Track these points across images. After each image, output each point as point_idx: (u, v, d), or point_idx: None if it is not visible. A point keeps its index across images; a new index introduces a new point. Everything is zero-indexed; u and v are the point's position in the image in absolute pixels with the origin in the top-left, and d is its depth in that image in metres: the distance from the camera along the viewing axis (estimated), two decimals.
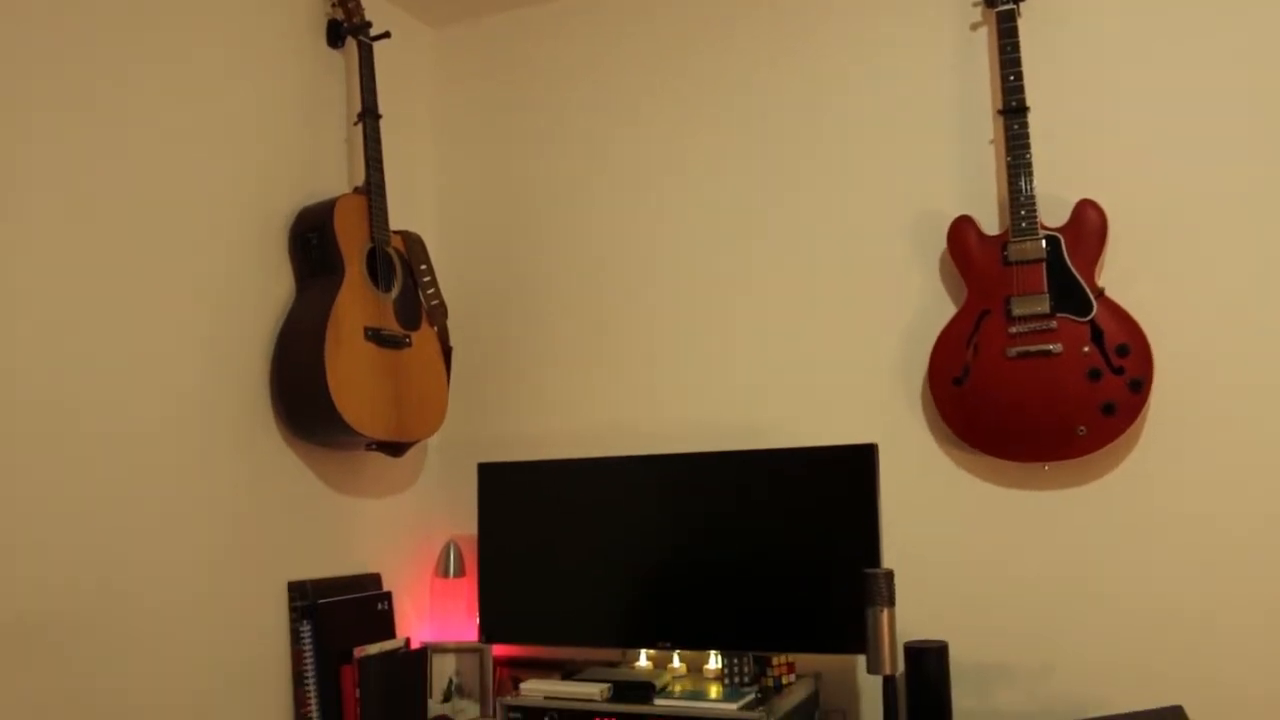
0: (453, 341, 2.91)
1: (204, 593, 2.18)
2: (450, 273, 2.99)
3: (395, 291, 2.53)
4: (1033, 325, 2.18)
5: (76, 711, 1.91)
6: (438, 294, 2.66)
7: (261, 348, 2.37)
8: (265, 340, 2.38)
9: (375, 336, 2.42)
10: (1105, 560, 2.21)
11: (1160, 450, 2.18)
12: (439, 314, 2.66)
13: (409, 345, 2.52)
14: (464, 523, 2.89)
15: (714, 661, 2.35)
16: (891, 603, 1.88)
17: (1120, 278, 2.23)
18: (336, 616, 2.40)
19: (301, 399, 2.32)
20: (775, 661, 2.21)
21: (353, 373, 2.33)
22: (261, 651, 2.30)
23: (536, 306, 2.86)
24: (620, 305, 2.75)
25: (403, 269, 2.57)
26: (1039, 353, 2.17)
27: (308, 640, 2.35)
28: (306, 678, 2.35)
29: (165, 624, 2.09)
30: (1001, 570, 2.29)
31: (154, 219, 2.15)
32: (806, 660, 2.41)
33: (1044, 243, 2.18)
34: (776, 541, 2.24)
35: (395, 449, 2.53)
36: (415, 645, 2.66)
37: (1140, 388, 2.10)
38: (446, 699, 2.65)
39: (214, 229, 2.28)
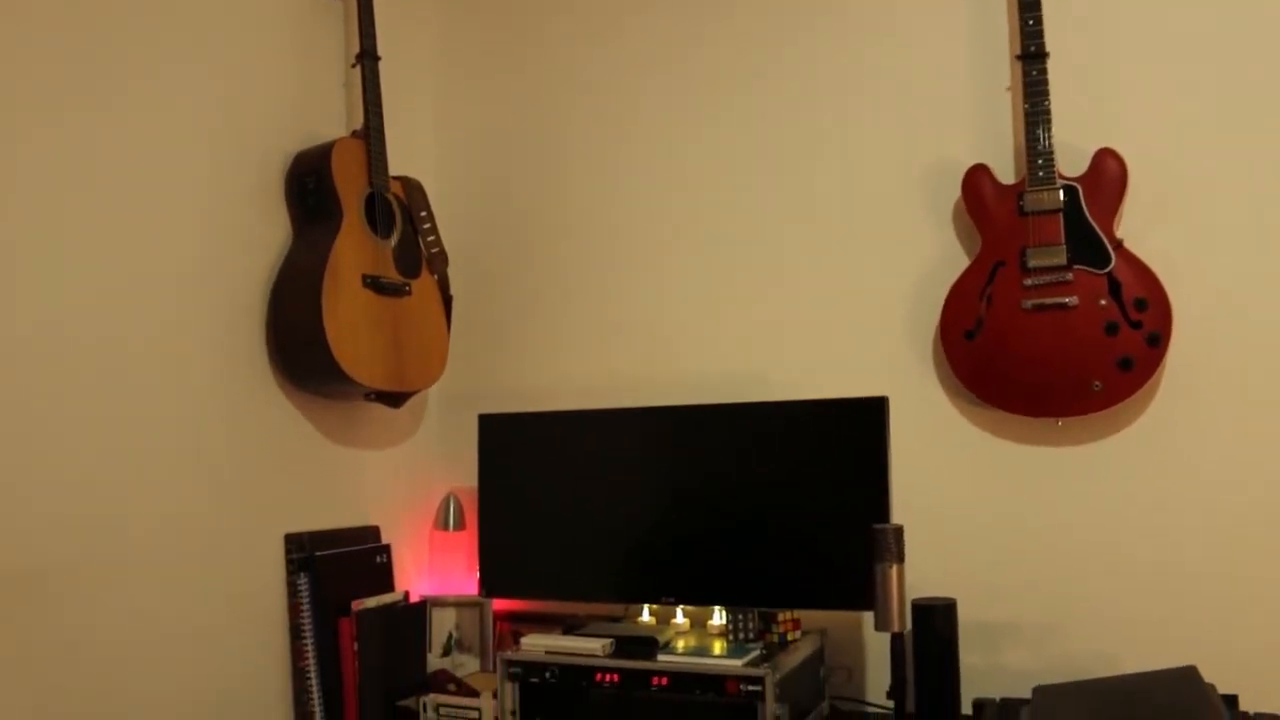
0: (453, 290, 2.85)
1: (200, 544, 2.15)
2: (451, 220, 2.93)
3: (394, 238, 2.47)
4: (1049, 277, 2.12)
5: (71, 662, 1.88)
6: (438, 241, 2.60)
7: (257, 295, 2.32)
8: (261, 287, 2.33)
9: (374, 284, 2.36)
10: (1118, 518, 2.17)
11: (1177, 407, 2.14)
12: (439, 262, 2.60)
13: (408, 293, 2.47)
14: (464, 475, 2.86)
15: (718, 617, 2.32)
16: (900, 559, 1.85)
17: (1140, 229, 2.17)
18: (334, 569, 2.37)
19: (298, 348, 2.27)
20: (780, 618, 2.18)
21: (351, 321, 2.28)
22: (258, 604, 2.27)
23: (540, 255, 2.81)
24: (625, 254, 2.70)
25: (402, 216, 2.51)
26: (1055, 305, 2.11)
27: (305, 593, 2.32)
28: (304, 631, 2.32)
29: (161, 576, 2.06)
30: (1012, 527, 2.25)
31: (147, 163, 2.09)
32: (812, 616, 2.38)
33: (1061, 193, 2.12)
34: (783, 495, 2.20)
35: (394, 399, 2.49)
36: (414, 599, 2.64)
37: (1158, 342, 2.05)
38: (446, 653, 2.63)
39: (208, 173, 2.22)
